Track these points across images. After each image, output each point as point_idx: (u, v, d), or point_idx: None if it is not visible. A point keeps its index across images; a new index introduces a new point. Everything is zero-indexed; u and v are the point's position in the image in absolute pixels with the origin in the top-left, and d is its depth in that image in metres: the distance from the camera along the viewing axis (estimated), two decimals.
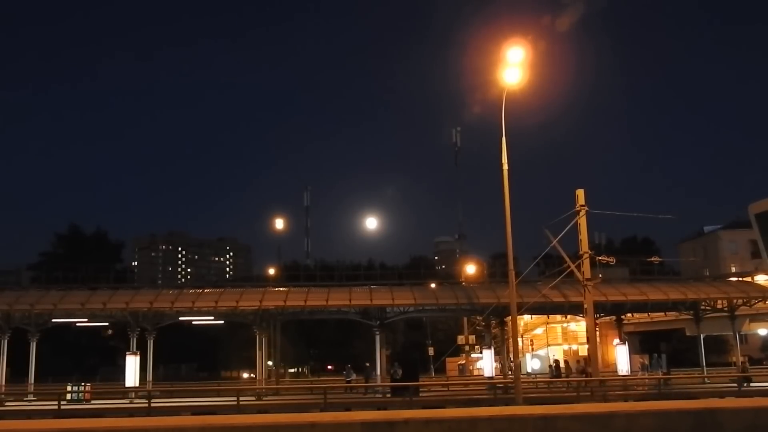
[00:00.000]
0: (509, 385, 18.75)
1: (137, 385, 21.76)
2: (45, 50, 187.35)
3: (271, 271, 39.21)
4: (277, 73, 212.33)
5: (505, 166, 15.25)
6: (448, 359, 36.83)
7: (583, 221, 16.47)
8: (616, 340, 23.86)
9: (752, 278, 28.68)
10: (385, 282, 27.11)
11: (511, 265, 15.38)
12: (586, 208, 16.42)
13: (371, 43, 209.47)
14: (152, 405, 17.07)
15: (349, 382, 23.87)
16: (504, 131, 15.12)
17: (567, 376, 24.46)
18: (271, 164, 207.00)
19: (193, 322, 26.66)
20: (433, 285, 29.64)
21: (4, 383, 22.25)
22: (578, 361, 27.46)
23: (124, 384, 21.65)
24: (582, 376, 21.86)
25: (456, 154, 73.47)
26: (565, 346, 35.66)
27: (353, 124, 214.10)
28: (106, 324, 25.28)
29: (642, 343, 35.70)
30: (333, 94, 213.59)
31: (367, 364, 25.62)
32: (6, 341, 22.63)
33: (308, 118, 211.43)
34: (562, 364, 27.92)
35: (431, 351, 36.96)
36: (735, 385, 19.88)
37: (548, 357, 33.47)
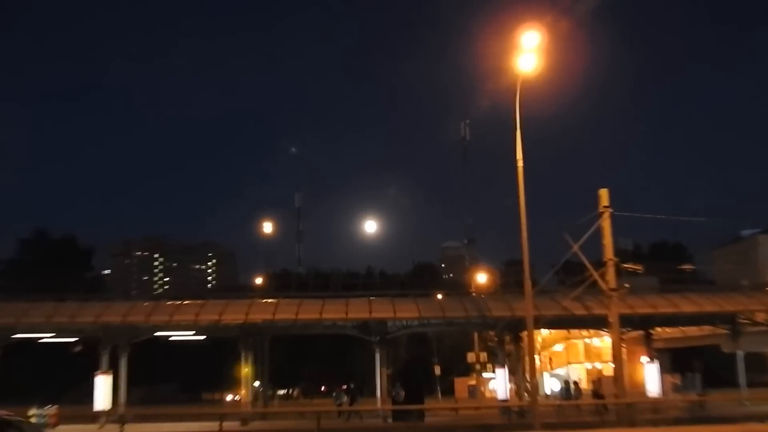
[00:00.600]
0: (525, 409, 18.69)
1: (109, 407, 21.70)
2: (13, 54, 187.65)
3: (259, 281, 39.33)
4: (269, 67, 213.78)
5: (520, 163, 15.34)
6: (456, 379, 36.82)
7: (606, 224, 16.42)
8: (645, 358, 23.87)
9: None
10: (385, 292, 27.05)
11: (527, 274, 15.42)
12: (611, 210, 16.38)
13: (372, 35, 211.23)
14: (125, 430, 17.05)
15: (339, 405, 23.73)
16: (518, 124, 15.19)
17: (578, 399, 24.46)
18: (261, 164, 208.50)
19: (172, 338, 26.64)
20: (439, 296, 29.70)
21: None
22: (592, 382, 27.39)
23: (94, 407, 21.62)
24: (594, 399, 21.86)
25: (465, 149, 73.44)
26: (588, 365, 35.47)
27: (352, 122, 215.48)
28: (76, 339, 25.13)
29: (673, 360, 35.70)
30: (330, 90, 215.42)
31: (352, 385, 25.57)
32: None
33: (303, 115, 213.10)
34: (582, 385, 27.94)
35: (438, 370, 37.07)
36: None
37: (568, 376, 33.38)
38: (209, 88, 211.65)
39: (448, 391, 36.83)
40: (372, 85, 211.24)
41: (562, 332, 31.98)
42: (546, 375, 34.60)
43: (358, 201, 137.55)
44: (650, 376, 22.21)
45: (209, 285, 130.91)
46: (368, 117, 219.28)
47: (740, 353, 24.86)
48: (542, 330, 27.87)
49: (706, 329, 28.70)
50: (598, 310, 21.19)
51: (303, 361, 47.35)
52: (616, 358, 15.96)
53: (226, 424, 18.51)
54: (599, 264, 16.56)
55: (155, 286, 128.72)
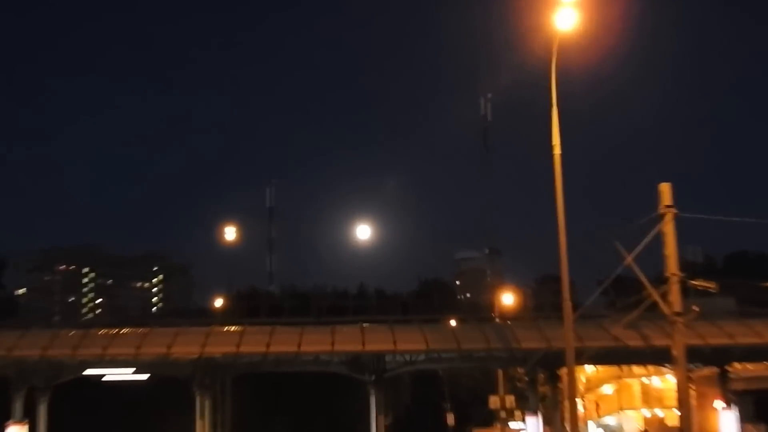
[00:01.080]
0: None
1: None
2: None
3: (219, 303, 39.46)
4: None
5: (557, 150, 15.39)
6: (475, 430, 36.78)
7: (669, 229, 16.33)
8: (720, 403, 24.00)
9: None
10: (384, 317, 27.55)
11: (566, 294, 15.38)
12: (674, 211, 16.38)
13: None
14: None
15: None
16: (555, 98, 15.22)
17: None
18: (225, 156, 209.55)
19: (106, 378, 26.63)
20: (452, 322, 29.85)
21: None
22: None
23: None
24: None
25: (485, 133, 73.83)
26: (646, 412, 35.43)
27: (343, 103, 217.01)
28: None
29: (757, 406, 35.58)
30: (313, 56, 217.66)
31: None
32: None
33: (280, 93, 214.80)
34: None
35: (451, 418, 36.92)
36: None
37: (621, 427, 33.35)
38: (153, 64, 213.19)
39: None
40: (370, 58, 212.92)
41: (613, 369, 32.00)
42: (592, 425, 34.49)
43: (349, 201, 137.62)
44: (727, 427, 22.14)
45: (155, 308, 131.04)
46: (360, 97, 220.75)
47: None
48: (587, 366, 27.95)
49: None
50: (658, 341, 21.33)
51: (276, 407, 47.07)
52: (683, 402, 15.82)
53: None
54: (660, 281, 16.19)
55: (84, 310, 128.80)
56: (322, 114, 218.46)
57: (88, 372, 24.54)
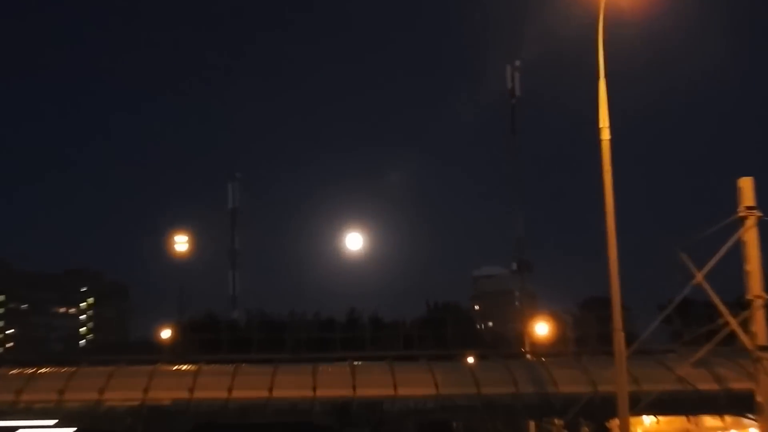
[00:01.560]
0: None
1: None
2: None
3: (167, 333, 39.57)
4: None
5: (605, 134, 15.56)
6: None
7: (752, 238, 16.45)
8: None
9: None
10: (381, 353, 27.54)
11: (618, 322, 15.39)
12: (758, 214, 16.45)
13: None
14: None
15: None
16: (602, 67, 15.41)
17: None
18: (176, 145, 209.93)
19: None
20: (470, 359, 30.22)
21: None
22: None
23: None
24: None
25: (512, 113, 73.76)
26: None
27: (332, 82, 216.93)
28: None
29: None
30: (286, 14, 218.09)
31: None
32: None
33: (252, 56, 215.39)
34: None
35: None
36: None
37: None
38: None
39: None
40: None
41: (679, 421, 32.01)
42: None
43: (337, 203, 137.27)
44: None
45: (83, 341, 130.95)
46: (357, 75, 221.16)
47: None
48: (644, 417, 27.96)
49: None
50: (737, 383, 21.49)
51: None
52: None
53: None
54: (739, 305, 16.50)
55: None
56: (305, 95, 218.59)
57: None
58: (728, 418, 29.64)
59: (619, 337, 15.37)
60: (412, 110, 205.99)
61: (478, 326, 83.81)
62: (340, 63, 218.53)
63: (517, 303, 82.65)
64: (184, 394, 23.67)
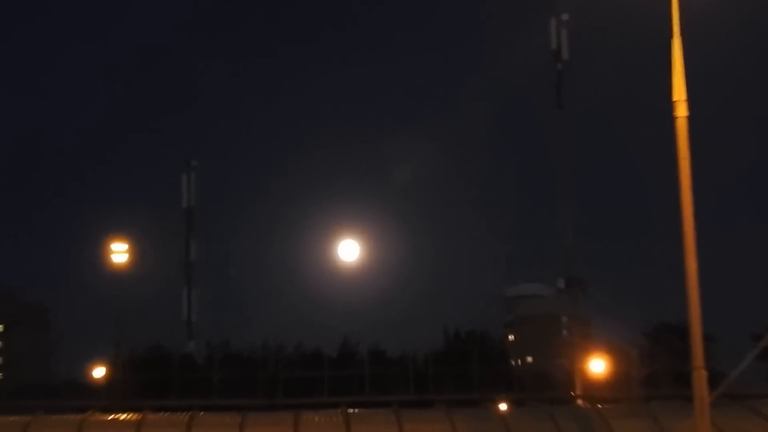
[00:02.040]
0: None
1: None
2: None
3: (100, 372, 39.38)
4: None
5: (681, 110, 15.73)
6: None
7: None
8: None
9: None
10: (384, 397, 27.88)
11: (699, 358, 15.39)
12: None
13: None
14: None
15: None
16: (676, 24, 15.63)
17: None
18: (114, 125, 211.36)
19: None
20: (503, 405, 30.34)
21: None
22: None
23: None
24: None
25: (559, 81, 73.73)
26: None
27: (327, 47, 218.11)
28: None
29: None
30: None
31: None
32: None
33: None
34: None
35: None
36: None
37: None
38: None
39: None
40: None
41: None
42: None
43: (329, 202, 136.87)
44: None
45: None
46: (354, 40, 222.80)
47: None
48: None
49: None
50: None
51: None
52: None
53: None
54: None
55: None
56: (286, 61, 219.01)
57: None
58: None
59: (700, 377, 15.31)
60: (420, 88, 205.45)
61: (514, 362, 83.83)
62: (333, 29, 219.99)
63: (565, 332, 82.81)
64: None
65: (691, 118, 15.88)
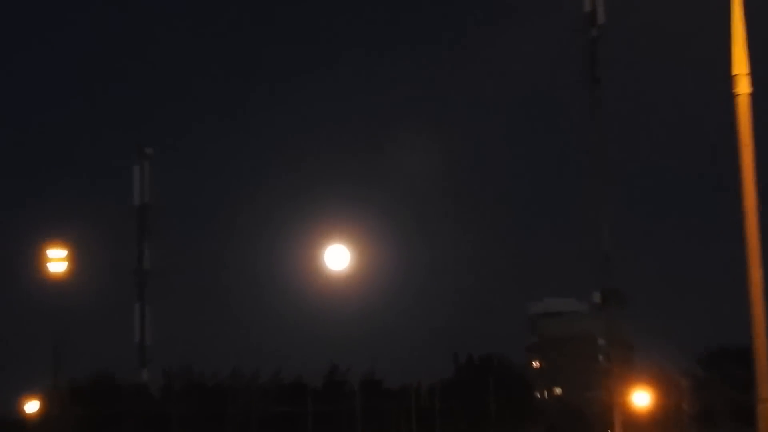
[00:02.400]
0: None
1: None
2: None
3: (34, 407, 39.35)
4: None
5: (744, 87, 15.82)
6: None
7: None
8: None
9: None
10: None
11: (766, 390, 15.44)
12: None
13: None
14: None
15: None
16: None
17: None
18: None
19: None
20: None
21: None
22: None
23: None
24: None
25: (593, 52, 73.71)
26: None
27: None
28: None
29: None
30: None
31: None
32: None
33: None
34: None
35: None
36: None
37: None
38: None
39: None
40: None
41: None
42: None
43: (314, 200, 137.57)
44: None
45: None
46: None
47: None
48: None
49: None
50: None
51: None
52: None
53: None
54: None
55: None
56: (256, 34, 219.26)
57: None
58: None
59: (767, 411, 15.37)
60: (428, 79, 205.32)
61: (539, 394, 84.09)
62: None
63: (601, 357, 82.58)
64: None
65: (755, 96, 15.93)
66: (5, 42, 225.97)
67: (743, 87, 15.91)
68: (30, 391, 42.71)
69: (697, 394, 43.36)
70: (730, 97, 15.70)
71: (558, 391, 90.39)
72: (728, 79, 15.91)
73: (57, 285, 37.34)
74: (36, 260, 37.14)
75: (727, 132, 15.68)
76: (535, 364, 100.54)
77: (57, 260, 36.36)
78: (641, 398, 36.98)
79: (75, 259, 37.55)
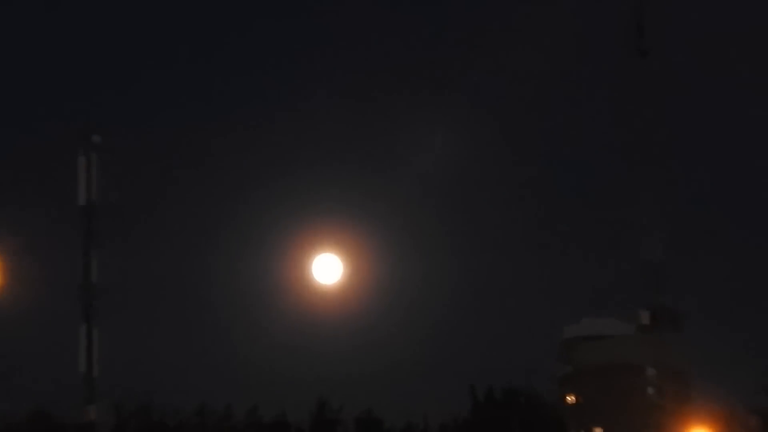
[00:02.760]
0: None
1: None
2: None
3: None
4: None
5: None
6: None
7: None
8: None
9: None
10: None
11: None
12: None
13: None
14: None
15: None
16: None
17: None
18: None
19: None
20: None
21: None
22: None
23: None
24: None
25: (641, 14, 74.28)
26: None
27: None
28: None
29: None
30: None
31: None
32: None
33: None
34: None
35: None
36: None
37: None
38: None
39: None
40: None
41: None
42: None
43: (299, 200, 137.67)
44: None
45: None
46: None
47: None
48: None
49: None
50: None
51: None
52: None
53: None
54: None
55: None
56: None
57: None
58: None
59: None
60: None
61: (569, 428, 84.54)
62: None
63: (650, 390, 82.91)
64: None
65: None
66: None
67: None
68: None
69: None
70: None
71: (598, 431, 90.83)
72: None
73: None
74: None
75: None
76: (570, 399, 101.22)
77: None
78: None
79: (7, 273, 37.77)
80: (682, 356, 74.75)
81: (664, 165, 76.27)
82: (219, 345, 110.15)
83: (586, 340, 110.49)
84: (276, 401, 59.21)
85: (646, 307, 71.70)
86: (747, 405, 58.30)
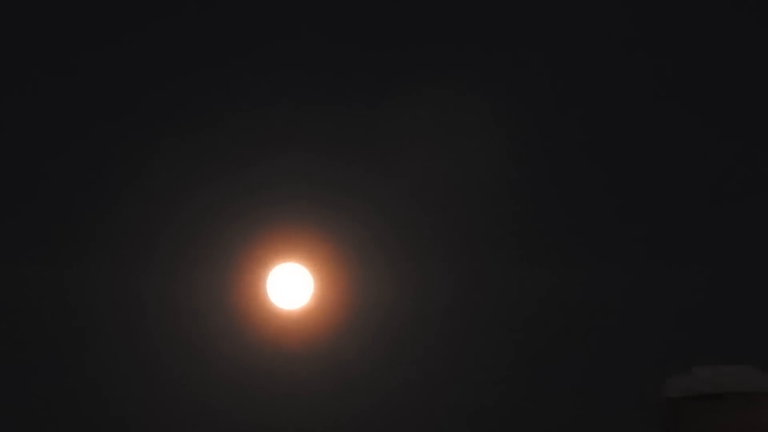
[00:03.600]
0: None
1: None
2: None
3: None
4: None
5: None
6: None
7: None
8: None
9: None
10: None
11: None
12: None
13: None
14: None
15: None
16: None
17: None
18: None
19: None
20: None
21: None
22: None
23: None
24: None
25: None
26: None
27: None
28: None
29: None
30: None
31: None
32: None
33: None
34: None
35: None
36: None
37: None
38: None
39: None
40: None
41: None
42: None
43: (269, 198, 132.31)
44: None
45: None
46: None
47: None
48: None
49: None
50: None
51: None
52: None
53: None
54: None
55: None
56: None
57: None
58: None
59: None
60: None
61: None
62: None
63: None
64: None
65: None
66: None
67: None
68: None
69: None
70: None
71: None
72: None
73: None
74: None
75: None
76: None
77: None
78: None
79: None
80: None
81: None
82: (158, 382, 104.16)
83: (702, 401, 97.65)
84: None
85: None
86: None
